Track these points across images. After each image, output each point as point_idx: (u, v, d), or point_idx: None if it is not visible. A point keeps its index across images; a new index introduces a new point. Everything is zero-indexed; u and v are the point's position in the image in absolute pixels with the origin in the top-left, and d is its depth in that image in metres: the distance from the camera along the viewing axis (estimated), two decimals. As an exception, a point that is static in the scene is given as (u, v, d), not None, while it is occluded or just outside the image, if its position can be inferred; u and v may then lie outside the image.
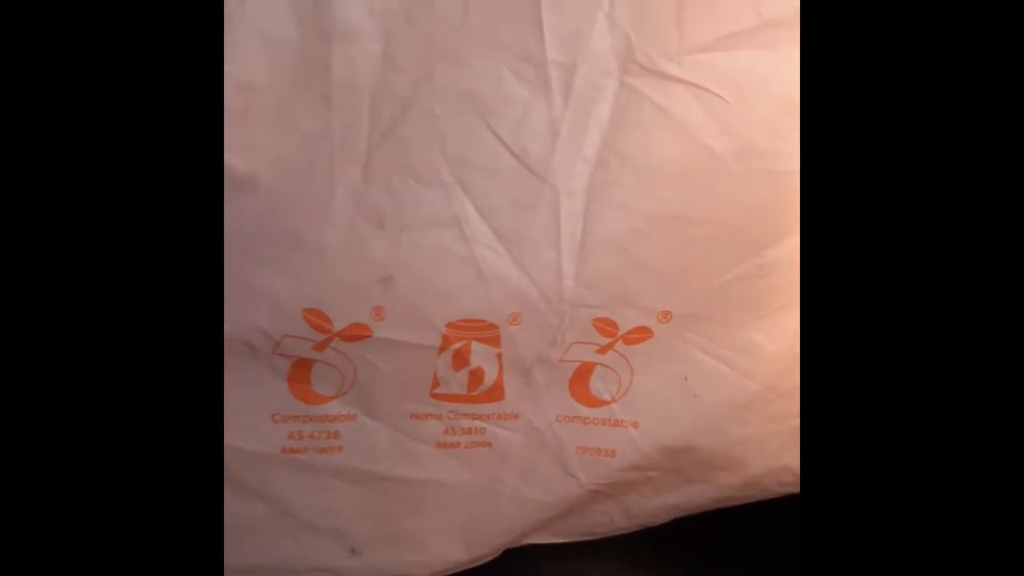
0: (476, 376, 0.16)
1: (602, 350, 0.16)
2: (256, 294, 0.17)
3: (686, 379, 0.17)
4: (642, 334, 0.16)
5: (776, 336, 0.17)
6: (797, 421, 0.17)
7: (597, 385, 0.17)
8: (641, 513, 0.21)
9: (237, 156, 0.16)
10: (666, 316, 0.16)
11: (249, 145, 0.16)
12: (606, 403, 0.17)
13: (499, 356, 0.16)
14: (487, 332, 0.16)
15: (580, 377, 0.17)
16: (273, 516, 0.18)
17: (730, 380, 0.17)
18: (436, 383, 0.17)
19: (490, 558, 0.20)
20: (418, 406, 0.17)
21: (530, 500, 0.19)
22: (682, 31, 0.15)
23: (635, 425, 0.17)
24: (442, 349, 0.16)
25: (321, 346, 0.17)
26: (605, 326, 0.16)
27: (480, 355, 0.16)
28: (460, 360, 0.16)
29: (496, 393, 0.16)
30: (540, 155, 0.16)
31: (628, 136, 0.16)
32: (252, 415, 0.17)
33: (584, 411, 0.17)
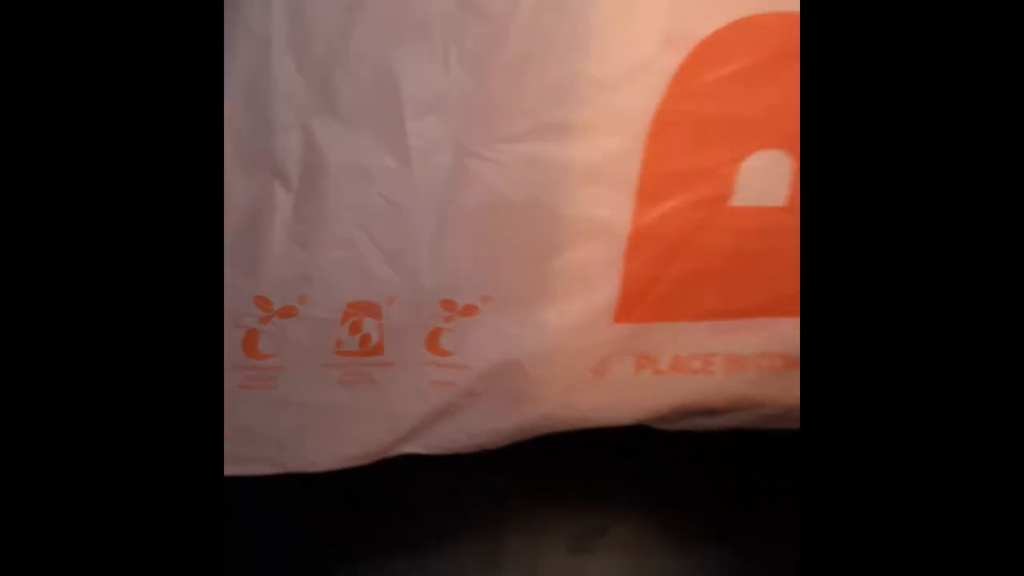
0: (365, 339, 0.24)
1: (447, 319, 0.24)
2: (225, 286, 0.24)
3: (503, 340, 0.24)
4: (471, 311, 0.24)
5: (564, 314, 0.23)
6: (581, 370, 0.24)
7: (444, 342, 0.24)
8: (477, 433, 0.27)
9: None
10: (487, 300, 0.24)
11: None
12: (450, 354, 0.25)
13: (380, 326, 0.24)
14: (372, 310, 0.24)
15: (433, 337, 0.24)
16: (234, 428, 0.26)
17: (530, 341, 0.24)
18: (339, 344, 0.24)
19: (374, 459, 0.28)
20: (327, 359, 0.25)
21: (399, 415, 0.26)
22: (490, 129, 0.23)
23: (468, 368, 0.25)
24: (343, 321, 0.24)
25: (265, 320, 0.24)
26: (448, 305, 0.24)
27: (368, 325, 0.24)
28: (355, 329, 0.24)
29: (378, 349, 0.24)
30: (407, 203, 0.24)
31: (460, 190, 0.24)
32: None
33: (436, 359, 0.25)
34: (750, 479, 0.35)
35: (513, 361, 0.24)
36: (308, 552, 0.34)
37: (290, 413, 0.25)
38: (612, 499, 0.35)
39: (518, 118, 0.23)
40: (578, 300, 0.23)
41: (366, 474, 0.35)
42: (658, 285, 0.21)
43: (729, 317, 0.22)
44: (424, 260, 0.23)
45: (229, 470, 0.26)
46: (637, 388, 0.24)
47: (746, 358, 0.23)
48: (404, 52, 0.22)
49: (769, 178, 0.20)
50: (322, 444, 0.26)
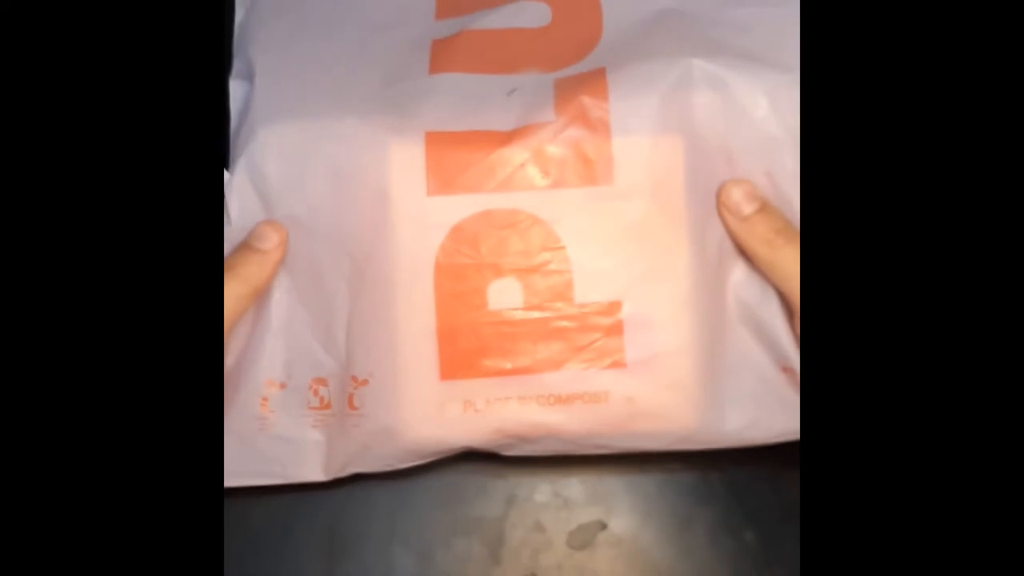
0: (322, 399, 0.34)
1: (355, 387, 0.33)
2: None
3: (381, 399, 0.33)
4: (364, 383, 0.33)
5: (409, 378, 0.33)
6: (426, 415, 0.33)
7: (355, 402, 0.33)
8: (381, 457, 0.34)
9: None
10: (372, 375, 0.33)
11: None
12: (357, 409, 0.33)
13: (328, 390, 0.34)
14: (323, 381, 0.34)
15: (350, 398, 0.33)
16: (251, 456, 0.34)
17: (395, 398, 0.33)
18: (308, 402, 0.34)
19: (340, 475, 0.34)
20: (304, 412, 0.34)
21: (343, 446, 0.34)
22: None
23: (366, 417, 0.33)
24: (309, 389, 0.34)
25: (271, 388, 0.34)
26: (354, 379, 0.33)
27: (322, 391, 0.34)
28: (315, 393, 0.34)
29: (328, 406, 0.34)
30: (330, 315, 0.34)
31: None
32: None
33: (351, 412, 0.33)
34: (750, 477, 0.35)
35: (389, 413, 0.33)
36: (311, 549, 0.35)
37: (287, 445, 0.34)
38: (612, 496, 0.35)
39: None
40: (416, 370, 0.33)
41: (367, 473, 0.35)
42: (458, 358, 0.32)
43: (506, 375, 0.32)
44: (341, 350, 0.33)
45: (247, 481, 0.34)
46: (465, 421, 0.33)
47: (527, 398, 0.33)
48: None
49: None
50: (308, 465, 0.34)
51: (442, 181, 0.32)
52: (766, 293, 0.33)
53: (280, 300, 0.33)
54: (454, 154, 0.32)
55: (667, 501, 0.35)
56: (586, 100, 0.32)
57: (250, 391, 0.33)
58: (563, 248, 0.32)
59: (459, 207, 0.32)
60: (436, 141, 0.32)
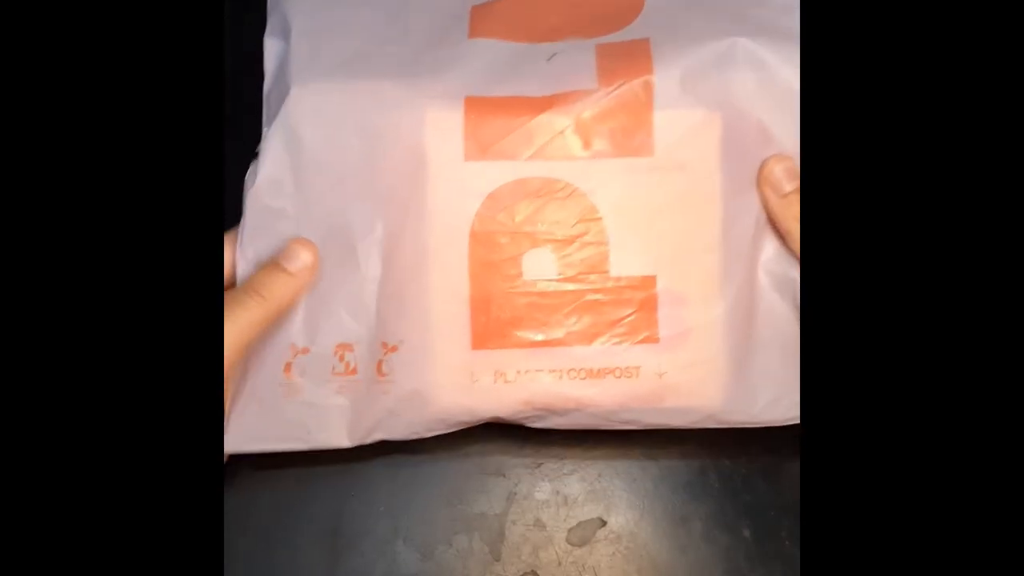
0: (347, 365, 0.33)
1: (384, 354, 0.33)
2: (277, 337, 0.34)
3: (413, 366, 0.33)
4: (395, 349, 0.33)
5: (443, 346, 0.33)
6: (459, 382, 0.33)
7: (384, 368, 0.33)
8: (409, 424, 0.34)
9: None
10: (403, 342, 0.33)
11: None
12: (386, 375, 0.33)
13: (355, 356, 0.33)
14: (349, 347, 0.33)
15: (379, 365, 0.33)
16: (279, 421, 0.34)
17: (427, 365, 0.33)
18: (333, 368, 0.33)
19: (366, 442, 0.34)
20: (328, 378, 0.33)
21: (369, 413, 0.33)
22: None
23: (396, 383, 0.33)
24: (334, 354, 0.33)
25: (295, 355, 0.33)
26: (384, 345, 0.33)
27: (348, 356, 0.33)
28: (341, 359, 0.33)
29: (355, 371, 0.33)
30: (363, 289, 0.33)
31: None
32: None
33: (379, 378, 0.33)
34: (746, 474, 0.36)
35: (419, 380, 0.33)
36: (314, 546, 0.35)
37: (311, 411, 0.33)
38: (611, 494, 0.36)
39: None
40: (448, 338, 0.33)
41: (369, 471, 0.35)
42: (490, 328, 0.32)
43: (537, 347, 0.32)
44: (371, 316, 0.33)
45: (271, 447, 0.34)
46: (496, 391, 0.33)
47: (558, 371, 0.33)
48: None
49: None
50: (332, 430, 0.33)
51: (480, 146, 0.32)
52: (796, 271, 0.33)
53: None
54: (493, 119, 0.32)
55: (665, 498, 0.35)
56: (630, 71, 0.32)
57: (274, 356, 0.33)
58: (600, 219, 0.32)
59: (496, 173, 0.32)
60: (475, 106, 0.32)
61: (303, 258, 0.32)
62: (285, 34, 0.34)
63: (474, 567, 0.35)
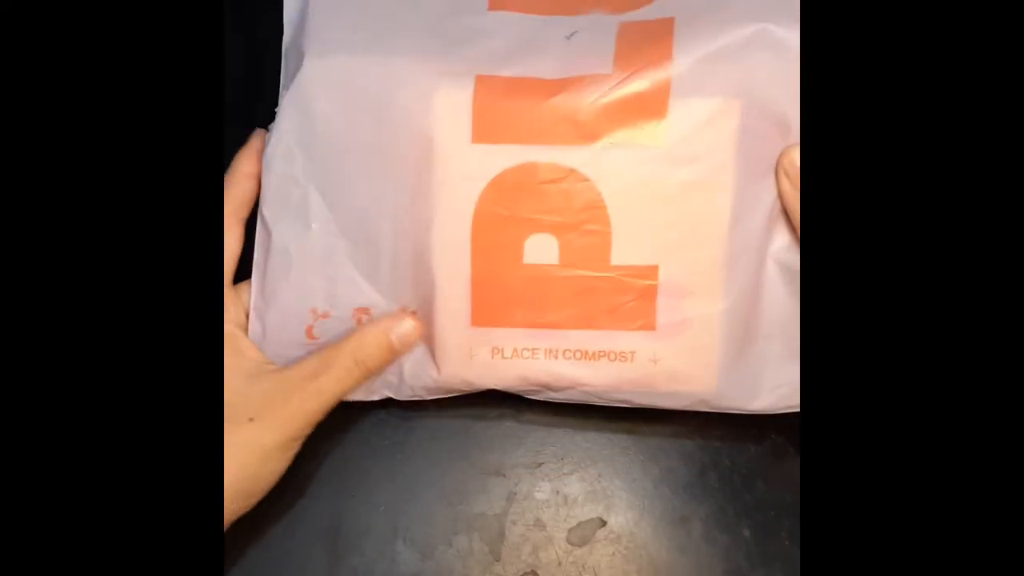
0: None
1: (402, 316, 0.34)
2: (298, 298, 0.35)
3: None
4: (412, 315, 0.34)
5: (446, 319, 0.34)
6: (459, 354, 0.34)
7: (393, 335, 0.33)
8: (414, 386, 0.35)
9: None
10: (419, 309, 0.34)
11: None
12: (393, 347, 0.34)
13: (370, 319, 0.34)
14: (366, 311, 0.34)
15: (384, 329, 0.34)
16: None
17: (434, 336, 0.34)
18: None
19: (374, 398, 0.35)
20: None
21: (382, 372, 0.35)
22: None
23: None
24: (352, 318, 0.34)
25: (316, 319, 0.35)
26: (403, 310, 0.34)
27: (364, 319, 0.34)
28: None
29: None
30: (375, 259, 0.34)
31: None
32: None
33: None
34: (746, 474, 0.36)
35: (426, 348, 0.34)
36: (315, 546, 0.35)
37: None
38: (611, 494, 0.36)
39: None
40: (449, 313, 0.33)
41: (369, 471, 0.35)
42: (489, 307, 0.33)
43: (535, 327, 0.33)
44: (386, 282, 0.34)
45: None
46: (492, 366, 0.34)
47: (554, 351, 0.33)
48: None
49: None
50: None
51: (487, 129, 0.31)
52: None
53: (320, 231, 0.33)
54: (502, 102, 0.31)
55: (664, 498, 0.35)
56: (649, 57, 0.31)
57: (296, 320, 0.34)
58: (604, 208, 0.31)
59: (502, 157, 0.32)
60: (486, 86, 0.31)
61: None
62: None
63: (474, 567, 0.35)
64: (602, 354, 0.33)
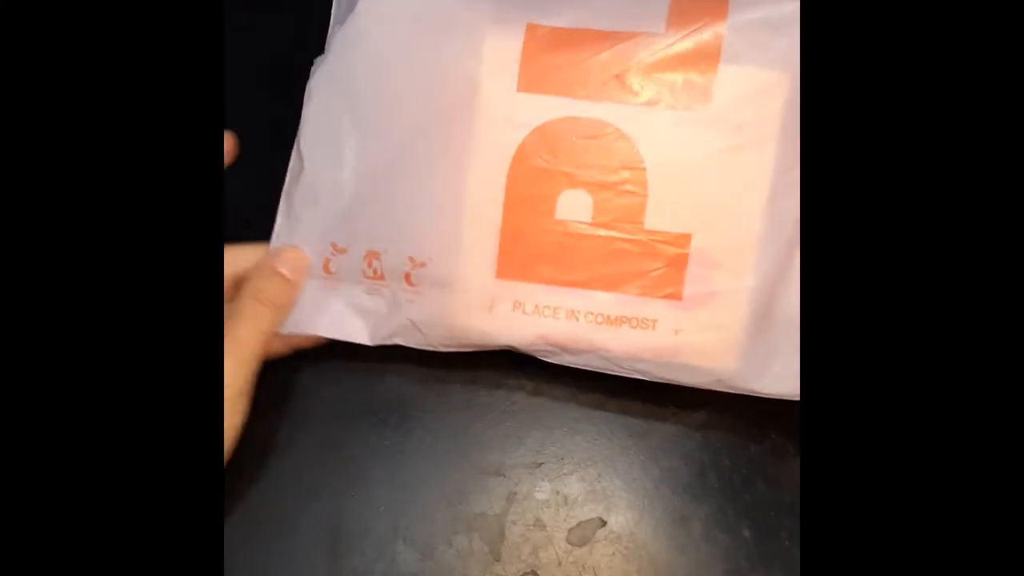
0: (376, 271, 0.34)
1: (414, 266, 0.33)
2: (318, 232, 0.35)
3: (438, 281, 0.34)
4: (422, 265, 0.33)
5: (469, 269, 0.34)
6: (479, 304, 0.34)
7: (411, 279, 0.33)
8: (427, 336, 0.35)
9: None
10: (430, 259, 0.33)
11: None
12: (415, 285, 0.33)
13: (381, 265, 0.34)
14: (377, 255, 0.34)
15: (407, 275, 0.33)
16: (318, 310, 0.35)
17: (451, 284, 0.34)
18: (363, 272, 0.34)
19: (382, 343, 0.35)
20: (359, 279, 0.34)
21: (391, 316, 0.34)
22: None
23: (421, 293, 0.33)
24: (364, 259, 0.34)
25: (334, 254, 0.34)
26: (411, 260, 0.34)
27: (375, 263, 0.34)
28: (370, 264, 0.34)
29: (381, 277, 0.34)
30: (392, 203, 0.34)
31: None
32: None
33: (407, 287, 0.34)
34: (746, 474, 0.36)
35: (442, 298, 0.33)
36: (315, 546, 0.35)
37: (342, 306, 0.35)
38: (611, 494, 0.36)
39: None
40: (475, 263, 0.33)
41: (369, 471, 0.35)
42: (516, 259, 0.32)
43: (561, 285, 0.32)
44: (402, 229, 0.33)
45: (301, 330, 0.35)
46: (512, 321, 0.33)
47: (576, 311, 0.32)
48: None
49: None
50: (357, 328, 0.35)
51: (534, 78, 0.31)
52: None
53: (350, 170, 0.33)
54: (551, 52, 0.31)
55: (665, 498, 0.35)
56: (702, 19, 0.30)
57: (316, 251, 0.34)
58: (644, 169, 0.31)
59: (546, 108, 0.32)
60: (536, 35, 0.31)
61: (291, 257, 0.34)
62: None
63: (474, 567, 0.35)
64: (624, 320, 0.32)
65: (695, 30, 0.31)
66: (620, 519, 0.35)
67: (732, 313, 0.32)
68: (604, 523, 0.35)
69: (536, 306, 0.33)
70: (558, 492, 0.36)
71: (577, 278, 0.32)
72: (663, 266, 0.32)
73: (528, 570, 0.35)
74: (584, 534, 0.35)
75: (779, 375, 0.33)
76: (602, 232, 0.32)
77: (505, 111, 0.32)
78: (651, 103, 0.31)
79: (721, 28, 0.30)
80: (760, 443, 0.35)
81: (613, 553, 0.35)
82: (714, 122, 0.31)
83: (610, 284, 0.32)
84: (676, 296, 0.32)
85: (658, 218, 0.31)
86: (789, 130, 0.31)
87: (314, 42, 0.35)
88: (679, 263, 0.31)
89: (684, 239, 0.31)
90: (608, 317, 0.32)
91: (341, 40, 0.33)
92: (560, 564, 0.35)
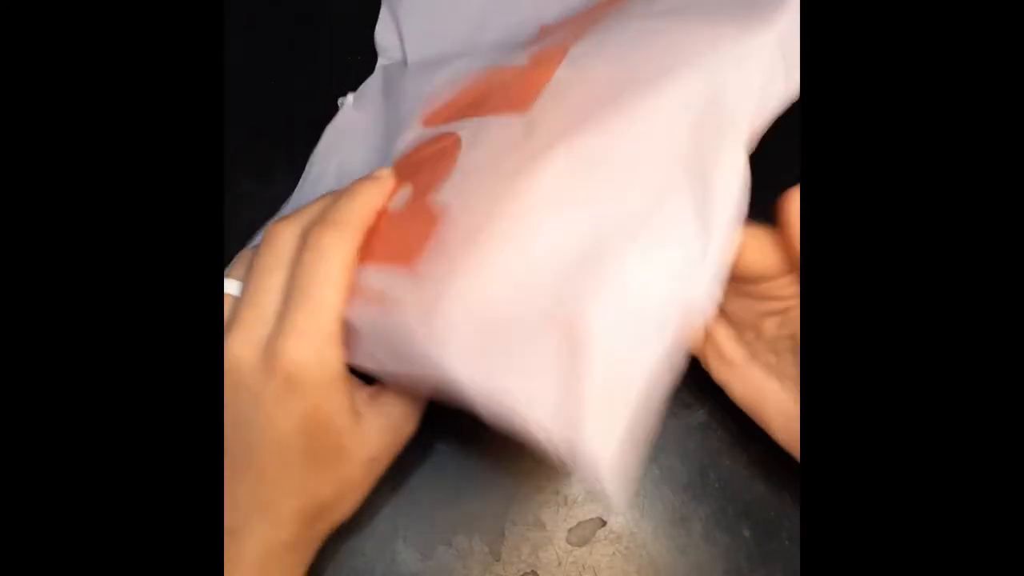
0: None
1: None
2: None
3: None
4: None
5: None
6: None
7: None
8: None
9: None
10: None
11: None
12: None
13: None
14: None
15: None
16: None
17: None
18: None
19: None
20: None
21: None
22: None
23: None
24: None
25: None
26: None
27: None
28: None
29: None
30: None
31: None
32: None
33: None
34: (746, 474, 0.36)
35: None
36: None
37: None
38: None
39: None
40: None
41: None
42: None
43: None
44: None
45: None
46: None
47: None
48: None
49: None
50: None
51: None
52: None
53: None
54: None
55: (664, 498, 0.35)
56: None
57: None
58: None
59: None
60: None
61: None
62: None
63: (474, 567, 0.35)
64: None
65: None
66: (620, 519, 0.35)
67: None
68: (604, 523, 0.35)
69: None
70: (558, 492, 0.36)
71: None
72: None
73: (528, 570, 0.35)
74: (584, 534, 0.35)
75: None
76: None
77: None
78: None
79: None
80: (760, 443, 0.35)
81: (613, 553, 0.35)
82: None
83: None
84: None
85: None
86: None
87: (315, 42, 0.35)
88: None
89: None
90: None
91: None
92: (560, 564, 0.35)
